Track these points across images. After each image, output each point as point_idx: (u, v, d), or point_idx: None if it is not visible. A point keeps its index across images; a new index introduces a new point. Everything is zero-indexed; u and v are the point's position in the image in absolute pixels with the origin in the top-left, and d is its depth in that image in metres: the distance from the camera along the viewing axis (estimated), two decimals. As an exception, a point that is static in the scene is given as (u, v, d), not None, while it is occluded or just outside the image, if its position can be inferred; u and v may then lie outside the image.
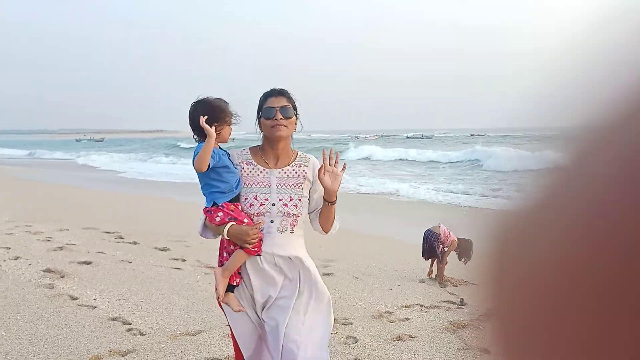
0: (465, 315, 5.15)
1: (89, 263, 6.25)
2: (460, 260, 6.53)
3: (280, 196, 2.32)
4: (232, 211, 2.21)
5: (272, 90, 2.37)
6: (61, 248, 6.98)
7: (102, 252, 6.92)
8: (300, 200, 2.35)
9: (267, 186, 2.32)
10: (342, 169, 2.37)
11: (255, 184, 2.33)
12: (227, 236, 2.22)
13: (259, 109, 2.33)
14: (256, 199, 2.30)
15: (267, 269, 2.29)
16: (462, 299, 5.75)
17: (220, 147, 2.30)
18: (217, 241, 2.43)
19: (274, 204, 2.31)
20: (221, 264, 2.30)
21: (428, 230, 6.78)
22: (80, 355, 3.61)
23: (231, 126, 2.29)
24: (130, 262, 6.46)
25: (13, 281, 5.31)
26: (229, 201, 2.23)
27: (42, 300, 4.76)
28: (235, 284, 2.30)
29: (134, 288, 5.34)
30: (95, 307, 4.66)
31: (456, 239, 6.57)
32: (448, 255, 6.58)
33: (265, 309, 2.31)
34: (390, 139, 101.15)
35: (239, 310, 2.28)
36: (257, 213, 2.29)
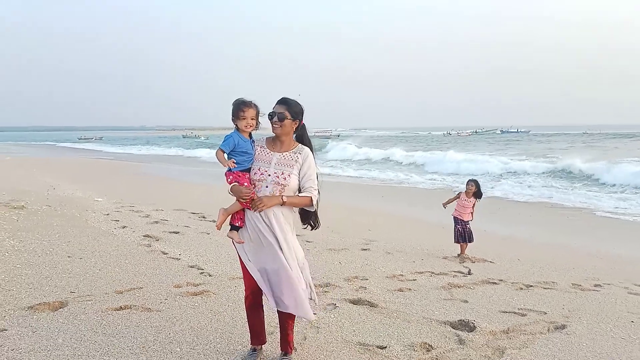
0: (465, 280, 6.31)
1: (177, 232, 8.03)
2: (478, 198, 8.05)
3: (275, 170, 3.47)
4: (239, 176, 3.45)
5: (278, 100, 3.53)
6: (157, 222, 8.86)
7: (187, 226, 8.71)
8: (289, 175, 3.45)
9: (268, 163, 3.49)
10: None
11: (261, 160, 3.51)
12: (230, 191, 3.45)
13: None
14: (259, 170, 3.48)
15: (258, 217, 3.40)
16: (469, 269, 6.90)
17: (250, 136, 3.62)
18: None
19: (269, 175, 3.45)
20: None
21: (454, 217, 7.97)
22: (167, 283, 5.27)
23: (251, 120, 3.42)
24: (209, 234, 8.16)
25: (122, 241, 7.15)
26: (241, 170, 3.47)
27: (142, 253, 6.52)
28: (238, 224, 3.48)
29: (210, 249, 6.99)
30: (179, 259, 6.35)
31: (458, 193, 8.15)
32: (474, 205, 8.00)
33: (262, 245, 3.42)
34: (486, 133, 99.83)
35: (239, 242, 3.46)
36: (258, 179, 3.46)
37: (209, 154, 43.39)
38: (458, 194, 8.15)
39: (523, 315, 4.99)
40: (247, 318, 3.65)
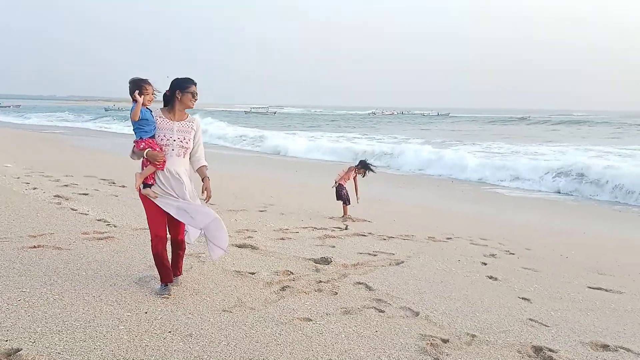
0: (340, 232, 7.52)
1: (86, 194, 8.68)
2: (365, 175, 9.26)
3: (178, 136, 4.38)
4: (150, 143, 4.28)
5: (192, 80, 4.38)
6: (66, 185, 9.43)
7: (97, 190, 9.34)
8: (189, 140, 4.41)
9: (170, 130, 4.38)
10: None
11: (164, 129, 4.37)
12: (146, 156, 4.27)
13: (181, 87, 4.37)
14: (165, 136, 4.36)
15: (168, 176, 4.32)
16: (347, 225, 8.14)
17: (147, 107, 4.50)
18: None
19: (174, 140, 4.37)
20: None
21: (339, 184, 9.20)
22: (75, 231, 6.05)
23: (152, 95, 4.42)
24: (117, 196, 8.87)
25: (33, 199, 7.76)
26: (149, 137, 4.31)
27: (53, 209, 7.19)
28: (151, 183, 4.32)
29: (117, 207, 7.75)
30: (88, 214, 7.10)
31: (348, 168, 9.25)
32: (357, 184, 9.17)
33: (174, 198, 4.48)
34: (408, 115, 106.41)
35: (155, 197, 4.32)
36: (165, 144, 4.35)
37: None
38: (349, 168, 9.31)
39: (374, 255, 6.25)
40: (157, 262, 4.34)
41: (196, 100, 4.40)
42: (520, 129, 57.65)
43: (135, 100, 4.20)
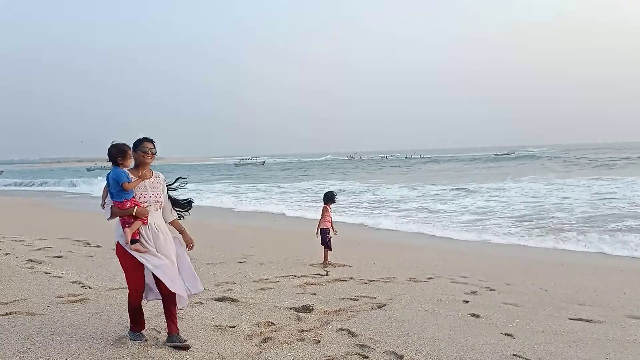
0: (321, 279, 7.47)
1: (60, 257, 8.50)
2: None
3: (152, 193, 4.50)
4: (135, 202, 4.36)
5: (145, 138, 4.52)
6: (40, 249, 9.23)
7: (71, 252, 9.17)
8: (161, 195, 4.56)
9: (144, 188, 4.49)
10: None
11: (140, 187, 4.45)
12: (135, 213, 4.34)
13: (136, 146, 4.48)
14: (142, 194, 4.46)
15: (151, 230, 4.38)
16: (327, 271, 8.10)
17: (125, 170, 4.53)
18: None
19: (151, 196, 4.49)
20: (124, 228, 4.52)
21: (324, 229, 9.18)
22: (49, 295, 5.89)
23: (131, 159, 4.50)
24: (92, 257, 8.71)
25: (5, 266, 7.57)
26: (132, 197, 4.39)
27: (26, 274, 7.02)
28: (137, 239, 4.35)
29: (91, 269, 7.60)
30: (62, 277, 6.94)
31: (322, 209, 9.35)
32: (331, 219, 9.28)
33: (157, 250, 4.47)
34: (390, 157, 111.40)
35: (145, 251, 4.35)
36: (144, 202, 4.45)
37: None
38: (324, 208, 9.36)
39: (356, 300, 6.21)
40: (132, 312, 4.46)
41: (152, 155, 4.51)
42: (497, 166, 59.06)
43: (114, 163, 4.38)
